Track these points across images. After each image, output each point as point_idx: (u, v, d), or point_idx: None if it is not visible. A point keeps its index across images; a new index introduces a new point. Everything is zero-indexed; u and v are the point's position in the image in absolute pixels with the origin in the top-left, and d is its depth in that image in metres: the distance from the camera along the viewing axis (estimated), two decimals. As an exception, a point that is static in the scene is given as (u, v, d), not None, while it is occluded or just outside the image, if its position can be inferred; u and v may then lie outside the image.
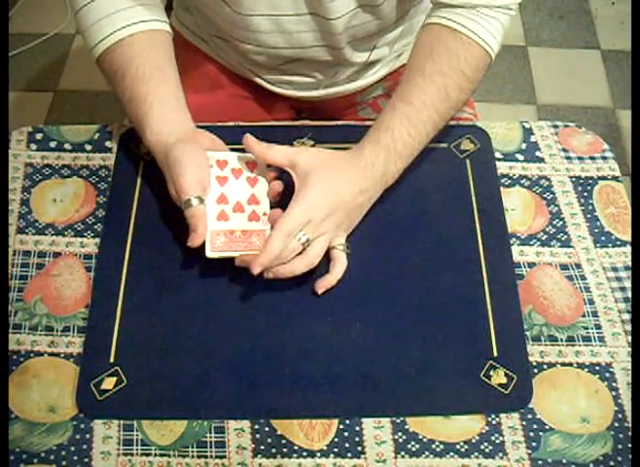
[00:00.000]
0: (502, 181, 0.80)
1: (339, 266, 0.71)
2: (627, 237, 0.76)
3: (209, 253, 0.67)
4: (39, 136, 0.84)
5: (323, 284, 0.70)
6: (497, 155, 0.82)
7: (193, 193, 0.67)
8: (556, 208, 0.78)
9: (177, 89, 0.76)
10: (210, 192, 0.70)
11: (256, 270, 0.66)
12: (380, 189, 0.73)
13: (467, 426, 0.64)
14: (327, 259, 0.71)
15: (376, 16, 0.81)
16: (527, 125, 0.85)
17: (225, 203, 0.70)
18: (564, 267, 0.74)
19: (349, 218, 0.71)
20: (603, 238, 0.76)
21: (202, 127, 0.76)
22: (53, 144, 0.83)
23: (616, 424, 0.64)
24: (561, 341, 0.69)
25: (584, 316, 0.71)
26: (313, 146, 0.81)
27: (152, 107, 0.72)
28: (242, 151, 0.73)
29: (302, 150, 0.73)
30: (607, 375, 0.67)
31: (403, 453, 0.63)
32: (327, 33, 0.81)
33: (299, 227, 0.66)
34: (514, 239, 0.76)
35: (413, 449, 0.63)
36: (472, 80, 0.75)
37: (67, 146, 0.83)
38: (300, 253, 0.68)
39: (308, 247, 0.68)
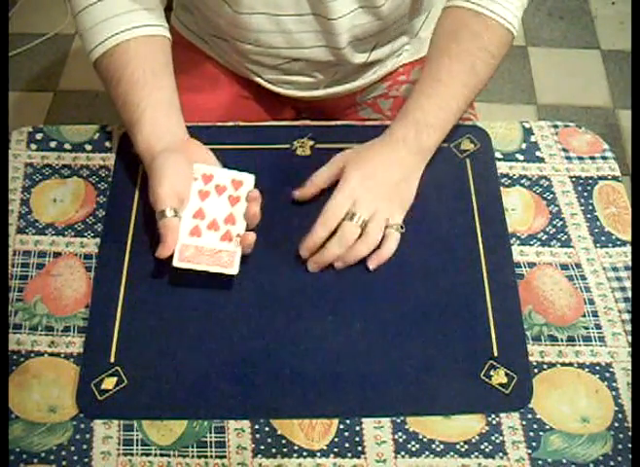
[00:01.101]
0: (502, 181, 0.80)
1: (391, 242, 0.72)
2: (627, 237, 0.76)
3: (176, 262, 0.67)
4: (39, 136, 0.84)
5: (375, 260, 0.71)
6: (497, 155, 0.82)
7: (169, 204, 0.68)
8: (556, 208, 0.78)
9: (172, 95, 0.75)
10: (189, 205, 0.70)
11: (304, 254, 0.71)
12: (420, 162, 0.75)
13: (467, 426, 0.64)
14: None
15: (377, 16, 0.81)
16: (527, 125, 0.85)
17: (200, 218, 0.70)
18: (564, 266, 0.74)
19: (398, 195, 0.73)
20: (603, 238, 0.76)
21: (202, 127, 0.76)
22: (53, 144, 0.83)
23: (616, 424, 0.64)
24: (561, 340, 0.69)
25: (584, 316, 0.71)
26: (313, 146, 0.82)
27: (144, 113, 0.72)
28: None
29: (337, 156, 0.75)
30: (607, 375, 0.67)
31: (403, 453, 0.63)
32: (327, 33, 0.81)
33: (342, 209, 0.69)
34: (514, 239, 0.76)
35: (413, 448, 0.63)
36: (496, 56, 0.77)
37: (67, 146, 0.83)
38: (359, 237, 0.70)
39: (367, 228, 0.70)
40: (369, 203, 0.70)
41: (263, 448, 0.63)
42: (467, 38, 0.75)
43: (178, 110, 0.75)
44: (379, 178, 0.72)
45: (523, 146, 0.84)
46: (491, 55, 0.76)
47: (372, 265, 0.71)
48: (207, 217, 0.70)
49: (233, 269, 0.68)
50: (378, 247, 0.72)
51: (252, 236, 0.69)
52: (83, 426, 0.64)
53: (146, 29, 0.75)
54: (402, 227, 0.73)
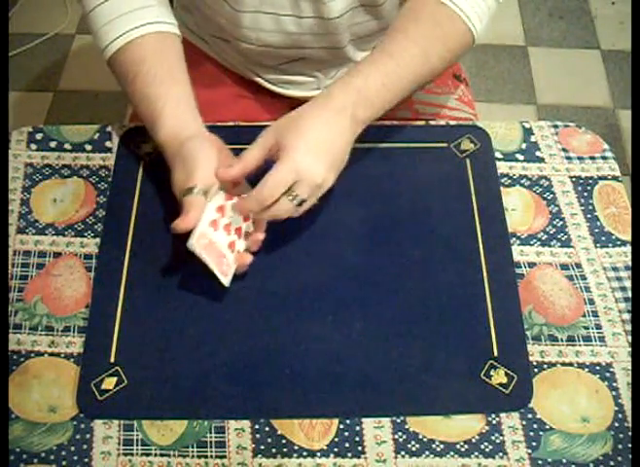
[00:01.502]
0: (502, 181, 0.80)
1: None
2: (627, 237, 0.76)
3: (192, 243, 0.65)
4: (39, 136, 0.84)
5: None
6: (497, 155, 0.82)
7: (200, 183, 0.66)
8: (556, 208, 0.78)
9: (189, 92, 0.75)
10: (216, 197, 0.69)
11: (244, 212, 0.68)
12: (354, 133, 0.70)
13: (467, 426, 0.64)
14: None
15: (377, 14, 0.81)
16: (527, 125, 0.85)
17: (221, 215, 0.69)
18: (564, 266, 0.74)
19: (337, 162, 0.69)
20: (603, 238, 0.76)
21: (202, 127, 0.76)
22: (53, 144, 0.83)
23: (616, 424, 0.64)
24: (561, 340, 0.69)
25: (584, 316, 0.71)
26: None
27: (165, 106, 0.72)
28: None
29: (267, 130, 0.70)
30: (607, 374, 0.67)
31: (403, 453, 0.63)
32: (328, 32, 0.81)
33: (283, 187, 0.65)
34: (514, 239, 0.76)
35: (414, 448, 0.63)
36: (452, 51, 0.74)
37: (67, 146, 0.83)
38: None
39: (301, 205, 0.67)
40: (310, 180, 0.66)
41: (263, 448, 0.63)
42: (426, 23, 0.73)
43: (195, 104, 0.75)
44: (323, 150, 0.67)
45: (523, 146, 0.84)
46: (447, 49, 0.74)
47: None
48: (225, 217, 0.70)
49: (227, 279, 0.68)
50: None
51: (249, 259, 0.69)
52: (83, 426, 0.64)
53: (158, 26, 0.75)
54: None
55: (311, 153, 0.66)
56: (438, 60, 0.74)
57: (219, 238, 0.68)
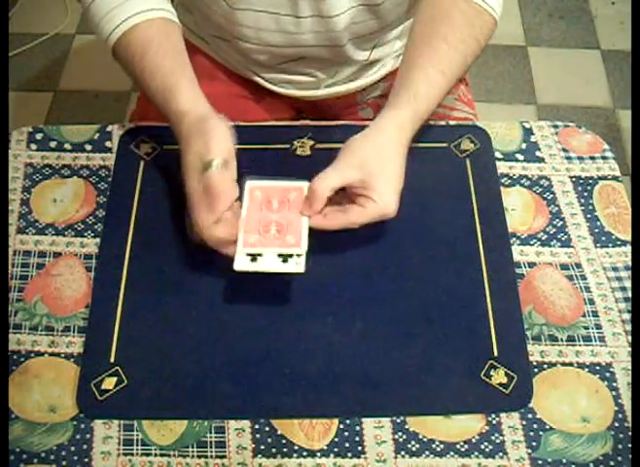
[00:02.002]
0: (502, 181, 0.80)
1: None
2: (627, 237, 0.76)
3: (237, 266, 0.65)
4: (39, 136, 0.84)
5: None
6: (497, 155, 0.82)
7: (220, 155, 0.65)
8: (556, 208, 0.78)
9: (195, 76, 0.75)
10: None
11: (306, 212, 0.67)
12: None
13: (467, 426, 0.64)
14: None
15: (377, 14, 0.81)
16: (527, 125, 0.85)
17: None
18: (564, 266, 0.74)
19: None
20: (603, 238, 0.76)
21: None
22: (53, 144, 0.83)
23: (616, 424, 0.64)
24: (561, 340, 0.69)
25: (584, 316, 0.71)
26: (313, 146, 0.81)
27: (182, 78, 0.71)
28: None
29: (348, 162, 0.69)
30: (607, 375, 0.67)
31: (403, 453, 0.63)
32: (327, 31, 0.81)
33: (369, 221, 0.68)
34: (514, 239, 0.76)
35: (414, 448, 0.63)
36: (483, 47, 0.76)
37: (67, 146, 0.83)
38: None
39: None
40: (389, 216, 0.68)
41: (263, 447, 0.63)
42: (461, 25, 0.74)
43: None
44: (401, 182, 0.68)
45: (523, 146, 0.84)
46: (480, 47, 0.75)
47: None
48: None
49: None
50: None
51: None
52: (83, 426, 0.64)
53: (161, 12, 0.75)
54: None
55: (396, 192, 0.68)
56: (472, 59, 0.76)
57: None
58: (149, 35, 0.73)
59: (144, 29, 0.73)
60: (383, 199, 0.67)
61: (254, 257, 0.65)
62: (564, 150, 0.83)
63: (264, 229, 0.67)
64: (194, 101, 0.71)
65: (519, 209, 0.78)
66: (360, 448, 0.63)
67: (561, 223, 0.77)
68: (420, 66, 0.73)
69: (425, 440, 0.64)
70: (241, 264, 0.65)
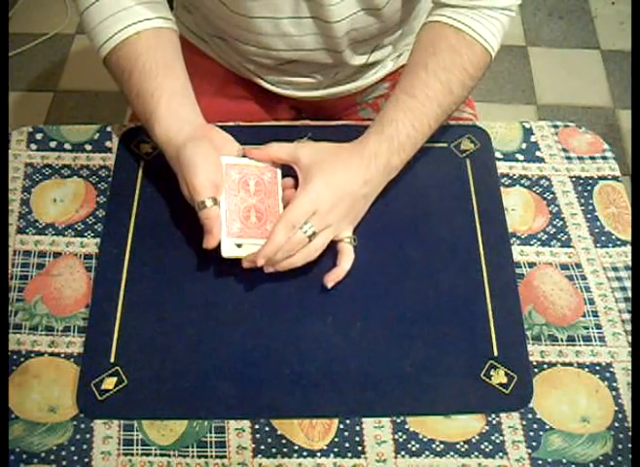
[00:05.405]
0: (502, 181, 0.80)
1: (347, 258, 0.71)
2: (627, 237, 0.76)
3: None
4: (39, 136, 0.84)
5: (332, 278, 0.70)
6: (497, 155, 0.82)
7: (207, 194, 0.67)
8: (556, 208, 0.78)
9: (185, 84, 0.75)
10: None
11: (260, 262, 0.66)
12: (384, 181, 0.73)
13: (467, 426, 0.64)
14: (333, 254, 0.71)
15: (378, 19, 0.80)
16: (527, 125, 0.85)
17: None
18: (564, 266, 0.74)
19: (354, 209, 0.71)
20: (603, 238, 0.76)
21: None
22: (53, 144, 0.83)
23: (616, 424, 0.64)
24: (562, 340, 0.69)
25: (584, 316, 0.71)
26: (313, 146, 0.82)
27: (159, 103, 0.71)
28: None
29: (303, 144, 0.73)
30: (607, 375, 0.67)
31: (403, 453, 0.63)
32: (327, 36, 0.80)
33: (303, 217, 0.67)
34: (514, 239, 0.76)
35: (414, 448, 0.63)
36: (473, 77, 0.75)
37: (67, 146, 0.83)
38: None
39: (312, 240, 0.68)
40: (324, 215, 0.67)
41: (263, 447, 0.63)
42: (445, 53, 0.74)
43: (192, 97, 0.75)
44: (344, 190, 0.69)
45: (523, 146, 0.84)
46: (469, 76, 0.74)
47: (329, 283, 0.70)
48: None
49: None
50: (334, 265, 0.71)
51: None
52: (83, 426, 0.64)
53: (153, 22, 0.74)
54: (354, 240, 0.72)
55: (330, 190, 0.68)
56: (460, 89, 0.74)
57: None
58: (136, 52, 0.73)
59: (132, 45, 0.73)
60: (312, 187, 0.68)
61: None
62: (564, 150, 0.83)
63: (244, 216, 0.69)
64: (169, 131, 0.71)
65: (519, 209, 0.78)
66: (360, 448, 0.63)
67: (561, 223, 0.77)
68: (395, 94, 0.74)
69: (425, 440, 0.64)
70: (228, 250, 0.68)
